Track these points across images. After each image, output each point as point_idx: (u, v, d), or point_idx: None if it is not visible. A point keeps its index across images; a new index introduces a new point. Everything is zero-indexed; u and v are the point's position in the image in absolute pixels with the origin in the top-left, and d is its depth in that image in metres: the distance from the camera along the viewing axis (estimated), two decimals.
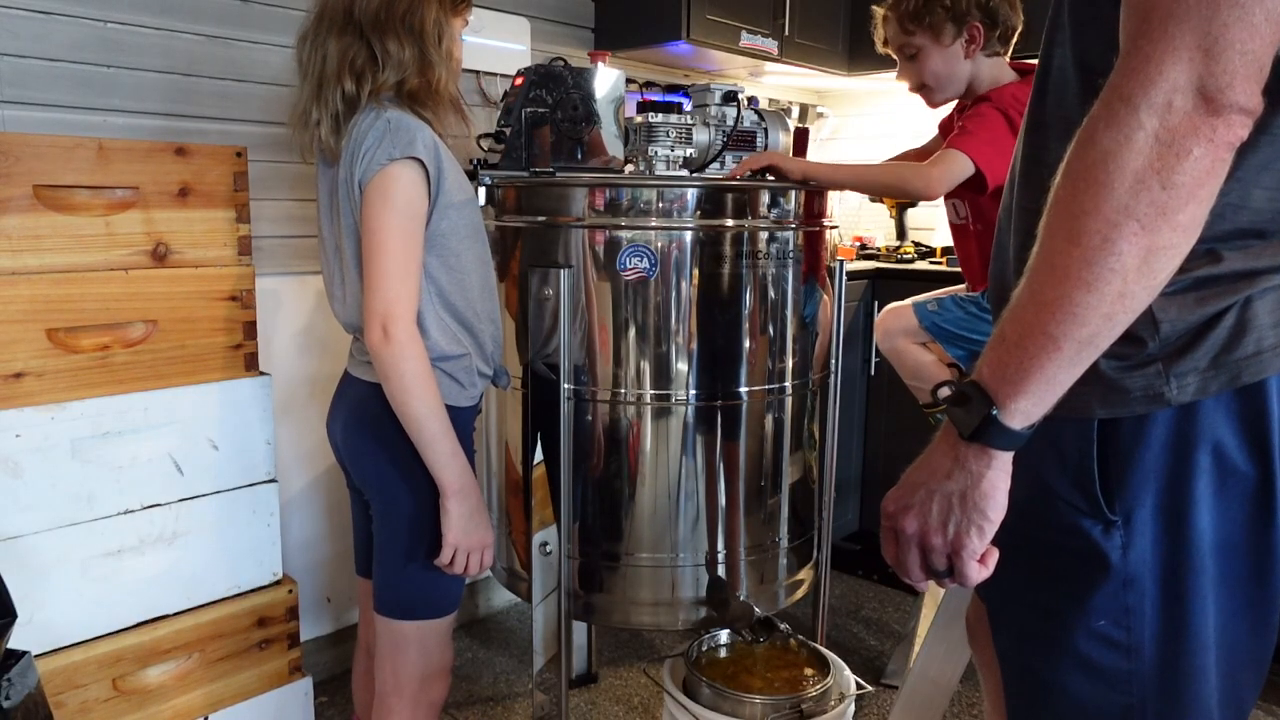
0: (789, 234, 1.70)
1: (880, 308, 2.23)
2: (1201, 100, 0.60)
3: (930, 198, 1.76)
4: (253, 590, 1.65)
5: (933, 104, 1.86)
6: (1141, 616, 0.78)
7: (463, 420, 1.36)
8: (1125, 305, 0.64)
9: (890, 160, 2.05)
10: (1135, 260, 0.62)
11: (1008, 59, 1.83)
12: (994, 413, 0.69)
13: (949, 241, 3.05)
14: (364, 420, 1.35)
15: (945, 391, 1.97)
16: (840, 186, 1.80)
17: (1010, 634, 0.90)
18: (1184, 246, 0.63)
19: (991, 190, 1.69)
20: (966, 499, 0.73)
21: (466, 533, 1.30)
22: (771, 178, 1.73)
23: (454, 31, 1.36)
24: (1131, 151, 0.61)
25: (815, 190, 1.75)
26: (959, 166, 1.69)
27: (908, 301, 1.99)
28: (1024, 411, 0.69)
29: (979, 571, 0.75)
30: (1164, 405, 0.74)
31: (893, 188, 1.84)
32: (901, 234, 3.21)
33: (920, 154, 2.04)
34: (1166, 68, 0.60)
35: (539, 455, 1.69)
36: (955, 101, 1.89)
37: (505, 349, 1.80)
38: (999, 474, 0.72)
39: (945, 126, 1.97)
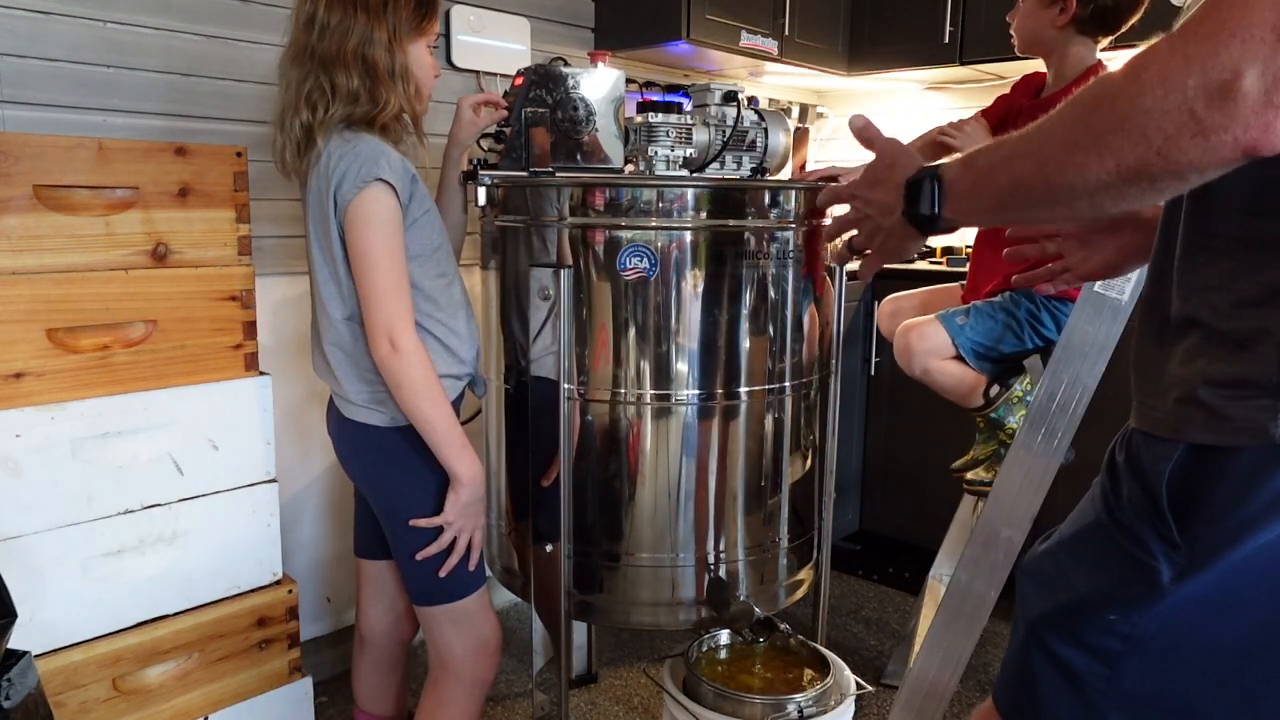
0: (789, 234, 1.70)
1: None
2: (1261, 89, 0.58)
3: None
4: (252, 590, 1.64)
5: (1017, 50, 1.90)
6: (1143, 643, 0.77)
7: None
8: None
9: None
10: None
11: (1103, 46, 1.83)
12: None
13: (949, 241, 3.06)
14: (370, 461, 1.45)
15: (996, 389, 1.96)
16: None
17: (1038, 594, 0.89)
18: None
19: None
20: None
21: (462, 515, 1.39)
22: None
23: (416, 55, 1.40)
24: (1160, 111, 0.61)
25: (815, 189, 1.75)
26: None
27: (929, 318, 1.95)
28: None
29: None
30: (1263, 440, 0.70)
31: None
32: None
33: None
34: (1236, 44, 0.58)
35: (539, 455, 1.69)
36: (1023, 83, 1.95)
37: (506, 349, 1.81)
38: None
39: (1005, 106, 1.99)
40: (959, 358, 1.91)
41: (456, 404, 1.46)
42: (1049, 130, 0.70)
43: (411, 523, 1.39)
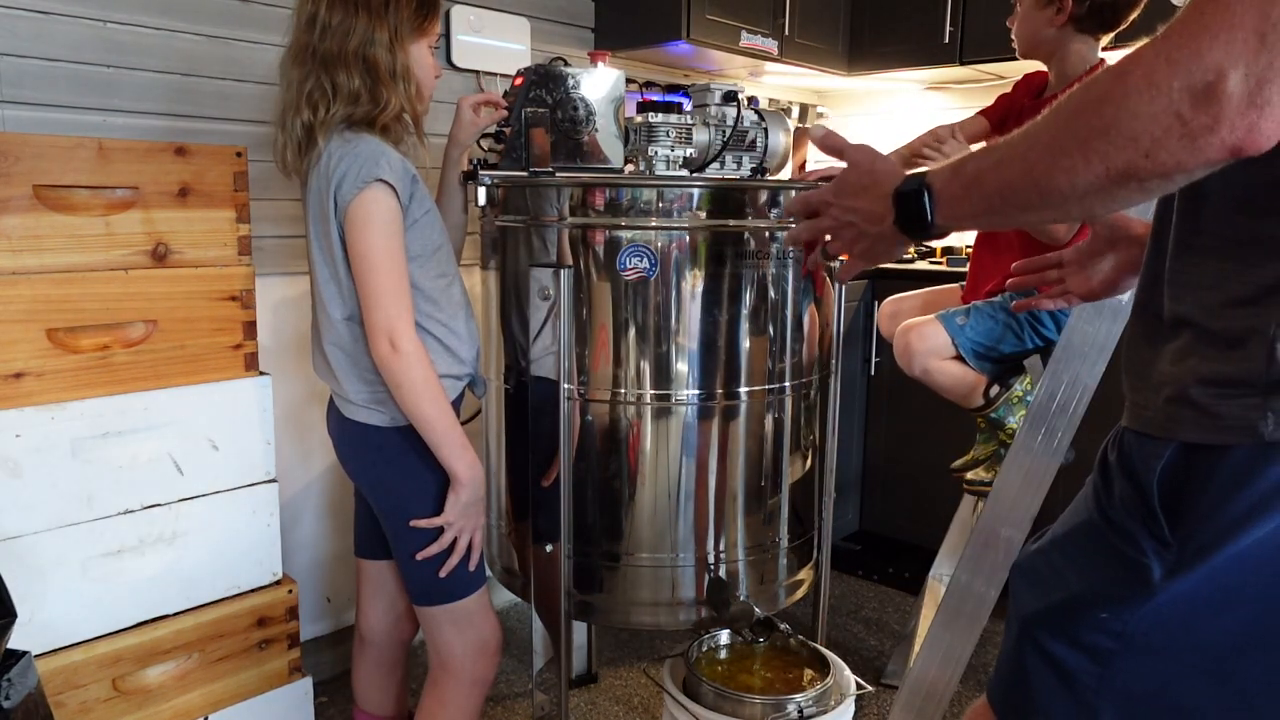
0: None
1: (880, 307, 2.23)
2: (1244, 90, 0.58)
3: None
4: (252, 590, 1.64)
5: (1019, 55, 1.90)
6: (1135, 641, 0.78)
7: None
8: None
9: None
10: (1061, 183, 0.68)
11: (1104, 43, 1.82)
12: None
13: (948, 241, 3.06)
14: (370, 461, 1.45)
15: (996, 389, 1.96)
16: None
17: (1031, 592, 0.89)
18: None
19: None
20: None
21: (462, 515, 1.40)
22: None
23: (417, 55, 1.40)
24: (1148, 114, 0.61)
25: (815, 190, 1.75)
26: None
27: (929, 318, 1.94)
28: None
29: None
30: (1253, 438, 0.70)
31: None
32: None
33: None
34: (1219, 46, 0.58)
35: (539, 455, 1.69)
36: (1024, 83, 1.95)
37: (506, 349, 1.81)
38: None
39: (1007, 105, 1.99)
40: (959, 358, 1.91)
41: (456, 404, 1.46)
42: (1034, 136, 0.71)
43: (412, 523, 1.39)
